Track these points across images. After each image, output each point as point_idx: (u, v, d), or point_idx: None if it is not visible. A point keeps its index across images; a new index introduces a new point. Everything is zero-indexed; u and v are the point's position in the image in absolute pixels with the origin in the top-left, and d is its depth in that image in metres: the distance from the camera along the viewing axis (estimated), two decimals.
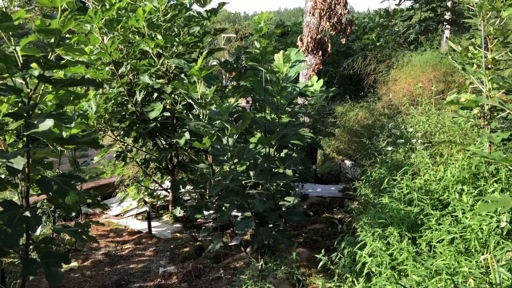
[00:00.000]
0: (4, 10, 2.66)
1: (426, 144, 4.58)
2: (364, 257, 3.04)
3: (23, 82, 2.83)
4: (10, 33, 2.73)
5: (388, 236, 3.14)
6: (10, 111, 3.26)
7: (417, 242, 3.10)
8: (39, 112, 2.99)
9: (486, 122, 3.73)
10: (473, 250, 2.79)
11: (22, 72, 2.72)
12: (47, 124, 2.55)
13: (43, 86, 2.84)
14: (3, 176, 3.24)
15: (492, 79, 3.59)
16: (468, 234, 2.83)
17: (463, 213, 3.06)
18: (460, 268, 2.54)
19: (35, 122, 2.57)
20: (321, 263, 3.37)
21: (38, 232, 4.49)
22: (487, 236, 2.76)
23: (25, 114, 2.72)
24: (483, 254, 2.65)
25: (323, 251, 3.40)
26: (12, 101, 2.99)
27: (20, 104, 2.84)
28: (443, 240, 2.93)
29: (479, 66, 4.10)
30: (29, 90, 2.80)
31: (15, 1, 3.00)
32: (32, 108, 2.76)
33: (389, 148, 4.90)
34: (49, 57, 2.76)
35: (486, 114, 3.72)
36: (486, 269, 2.51)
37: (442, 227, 3.02)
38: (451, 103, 3.55)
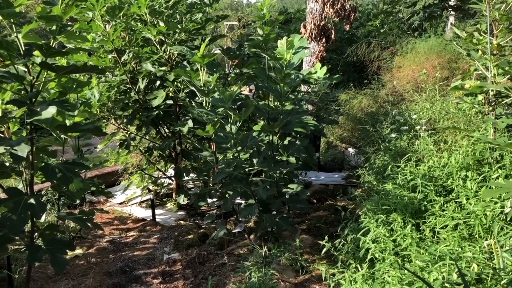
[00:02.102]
0: None
1: (430, 131, 4.56)
2: (368, 243, 3.05)
3: (26, 70, 2.82)
4: (12, 20, 2.72)
5: (392, 222, 3.14)
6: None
7: (420, 228, 3.10)
8: (42, 99, 2.99)
9: (490, 108, 3.70)
10: (476, 236, 2.79)
11: (25, 59, 2.72)
12: (50, 111, 2.55)
13: (45, 73, 2.83)
14: (7, 164, 3.25)
15: (497, 65, 3.56)
16: (472, 220, 2.83)
17: (467, 199, 3.05)
18: (464, 253, 2.54)
19: (38, 109, 2.57)
20: (324, 250, 3.38)
21: (42, 219, 4.51)
22: (491, 222, 2.76)
23: (28, 102, 2.71)
24: (486, 240, 2.65)
25: (326, 237, 3.41)
26: (15, 89, 2.98)
27: (23, 92, 2.83)
28: (446, 226, 2.93)
29: (484, 52, 4.06)
30: (31, 78, 2.79)
31: None
32: (35, 95, 2.76)
33: (393, 135, 4.88)
34: (51, 44, 2.75)
35: (490, 100, 3.69)
36: (490, 255, 2.51)
37: (446, 213, 3.01)
38: (456, 89, 3.52)
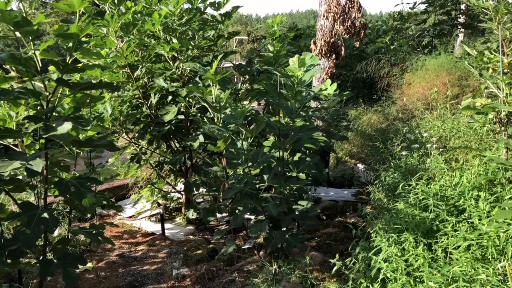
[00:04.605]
0: (24, 15, 2.70)
1: (441, 149, 4.54)
2: (379, 262, 3.02)
3: (42, 86, 2.87)
4: (30, 37, 2.77)
5: (403, 241, 3.12)
6: (26, 112, 3.32)
7: (432, 248, 3.08)
8: (57, 114, 3.03)
9: (502, 128, 3.69)
10: (490, 257, 2.76)
11: (41, 76, 2.76)
12: (66, 127, 2.58)
13: (61, 89, 2.88)
14: (21, 177, 3.29)
15: (509, 83, 3.55)
16: (485, 241, 2.80)
17: (480, 219, 3.03)
18: (477, 275, 2.51)
19: (54, 125, 2.61)
20: (335, 268, 3.36)
21: (55, 233, 4.54)
22: (505, 243, 2.72)
23: (44, 117, 2.76)
24: (500, 262, 2.62)
25: (337, 255, 3.39)
26: (31, 105, 3.03)
27: (39, 107, 2.88)
28: (459, 246, 2.90)
29: (494, 70, 4.06)
30: (47, 94, 2.84)
31: (33, 5, 3.03)
32: (51, 111, 2.80)
33: (404, 153, 4.86)
34: (67, 61, 2.80)
35: (502, 119, 3.68)
36: (504, 277, 2.48)
37: (458, 233, 2.98)
38: (467, 109, 3.51)
